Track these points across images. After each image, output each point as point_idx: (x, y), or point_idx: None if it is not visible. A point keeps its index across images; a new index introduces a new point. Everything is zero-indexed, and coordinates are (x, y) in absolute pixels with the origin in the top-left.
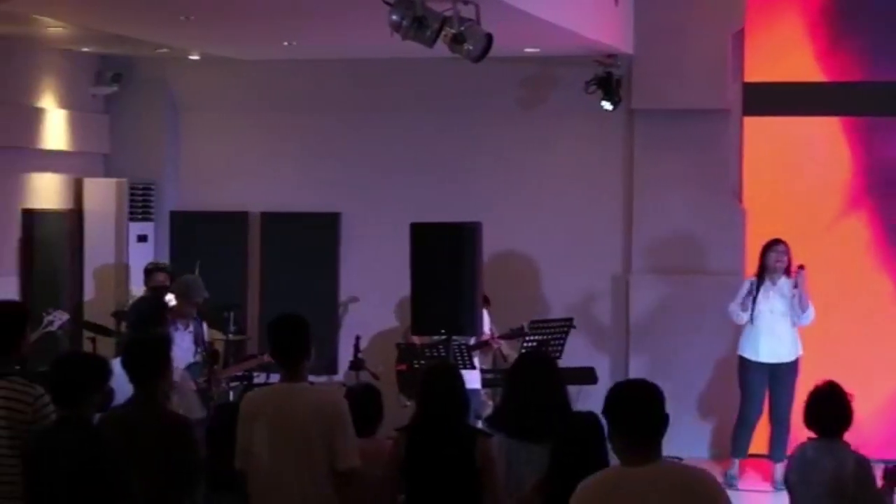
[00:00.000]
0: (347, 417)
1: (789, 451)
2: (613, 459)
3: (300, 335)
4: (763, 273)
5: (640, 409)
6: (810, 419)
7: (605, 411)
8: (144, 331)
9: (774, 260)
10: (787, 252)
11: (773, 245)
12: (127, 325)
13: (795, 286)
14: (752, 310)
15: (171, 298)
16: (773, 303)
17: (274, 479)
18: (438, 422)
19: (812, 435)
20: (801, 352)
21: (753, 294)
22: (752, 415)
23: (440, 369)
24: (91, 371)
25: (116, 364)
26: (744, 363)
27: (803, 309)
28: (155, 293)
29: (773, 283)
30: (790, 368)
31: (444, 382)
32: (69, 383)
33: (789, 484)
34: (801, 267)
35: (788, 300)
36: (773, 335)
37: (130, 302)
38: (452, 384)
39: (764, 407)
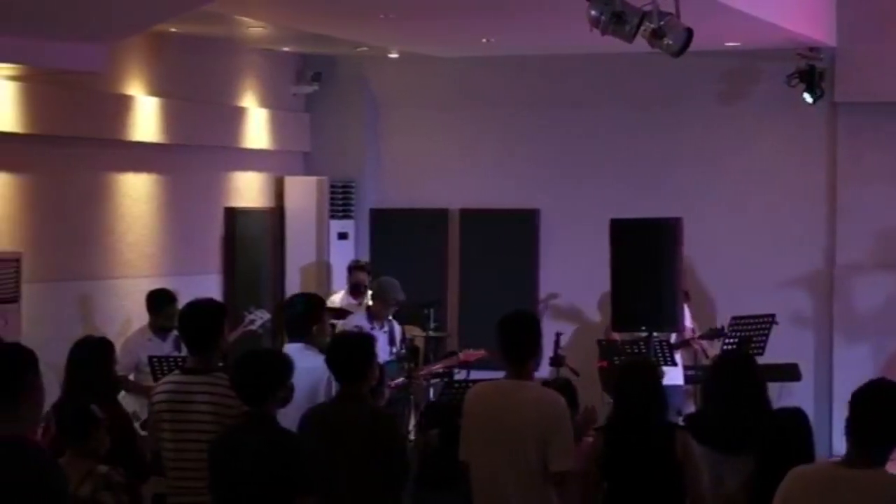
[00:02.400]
0: (566, 418)
1: None
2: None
3: (531, 333)
4: None
5: (870, 411)
6: None
7: (849, 408)
8: (299, 332)
9: None
10: None
11: None
12: (285, 321)
13: None
14: None
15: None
16: None
17: (489, 475)
18: (635, 418)
19: None
20: None
21: None
22: None
23: (635, 366)
24: (274, 368)
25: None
26: None
27: None
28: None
29: None
30: None
31: (639, 379)
32: (253, 381)
33: None
34: None
35: None
36: None
37: (331, 297)
38: (647, 381)
39: None
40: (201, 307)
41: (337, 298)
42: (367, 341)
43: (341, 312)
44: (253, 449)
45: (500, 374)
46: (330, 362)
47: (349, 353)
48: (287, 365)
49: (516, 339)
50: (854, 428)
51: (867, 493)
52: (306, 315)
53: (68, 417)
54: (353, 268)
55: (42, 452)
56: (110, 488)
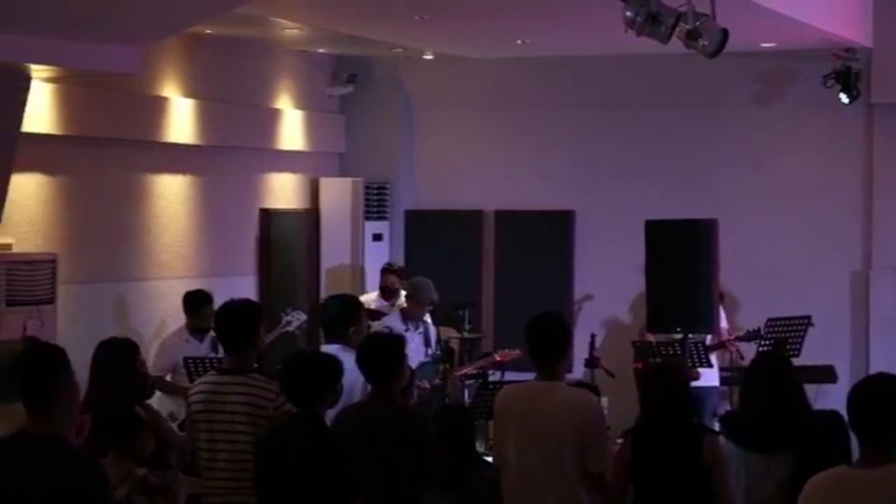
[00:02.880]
0: (601, 419)
1: None
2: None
3: (558, 336)
4: None
5: (874, 406)
6: None
7: (846, 406)
8: (335, 333)
9: None
10: None
11: None
12: (321, 323)
13: None
14: None
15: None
16: None
17: (523, 476)
18: (661, 421)
19: None
20: None
21: None
22: None
23: (659, 369)
24: (325, 370)
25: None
26: None
27: None
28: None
29: None
30: None
31: (664, 382)
32: (305, 383)
33: None
34: None
35: None
36: None
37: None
38: (672, 383)
39: None
40: (237, 307)
41: (367, 299)
42: (397, 341)
43: (375, 314)
44: (300, 449)
45: (534, 376)
46: (360, 363)
47: (379, 354)
48: (338, 368)
49: (543, 341)
50: (857, 428)
51: (885, 490)
52: (341, 316)
53: (112, 420)
54: (385, 270)
55: (80, 451)
56: (146, 492)
